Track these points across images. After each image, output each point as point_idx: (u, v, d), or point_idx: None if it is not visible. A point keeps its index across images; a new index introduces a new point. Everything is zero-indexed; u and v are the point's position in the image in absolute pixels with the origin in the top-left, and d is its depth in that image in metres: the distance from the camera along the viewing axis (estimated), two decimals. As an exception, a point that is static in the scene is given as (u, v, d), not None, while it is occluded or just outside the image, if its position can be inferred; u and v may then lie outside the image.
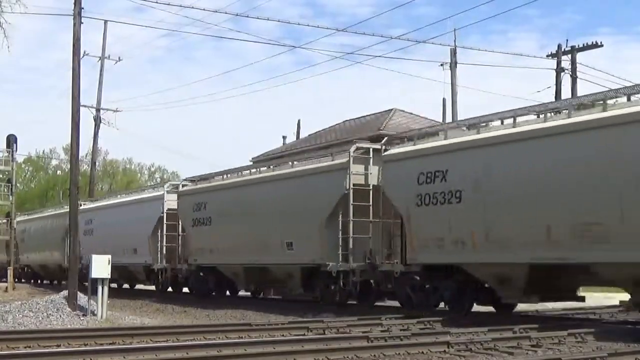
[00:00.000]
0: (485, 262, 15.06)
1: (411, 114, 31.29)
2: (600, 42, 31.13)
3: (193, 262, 24.30)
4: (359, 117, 33.06)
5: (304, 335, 12.81)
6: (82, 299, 17.95)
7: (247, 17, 36.11)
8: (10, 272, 32.81)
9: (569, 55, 31.42)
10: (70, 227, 18.78)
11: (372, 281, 18.35)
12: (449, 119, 30.27)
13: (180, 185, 26.36)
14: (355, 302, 18.93)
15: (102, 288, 16.62)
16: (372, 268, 17.73)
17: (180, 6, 25.47)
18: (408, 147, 17.30)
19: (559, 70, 31.23)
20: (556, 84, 31.21)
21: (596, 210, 12.96)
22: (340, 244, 18.07)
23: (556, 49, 31.52)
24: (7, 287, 30.96)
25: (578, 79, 31.10)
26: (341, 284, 18.26)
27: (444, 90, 34.42)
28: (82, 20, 18.61)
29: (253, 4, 75.58)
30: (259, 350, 10.07)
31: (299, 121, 44.43)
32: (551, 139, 13.90)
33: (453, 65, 31.34)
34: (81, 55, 19.33)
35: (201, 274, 24.54)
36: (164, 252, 25.80)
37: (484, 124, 15.81)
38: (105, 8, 73.54)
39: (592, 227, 13.00)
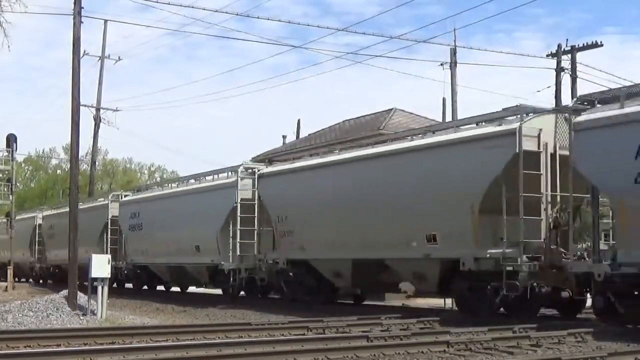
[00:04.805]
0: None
1: (411, 113, 31.30)
2: (600, 42, 31.13)
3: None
4: (358, 117, 33.07)
5: (303, 334, 12.82)
6: (81, 298, 17.95)
7: (248, 16, 35.90)
8: (10, 271, 32.77)
9: (570, 55, 31.44)
10: (70, 226, 18.73)
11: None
12: (448, 118, 30.28)
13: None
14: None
15: (102, 287, 16.62)
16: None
17: (181, 5, 25.34)
18: None
19: (559, 69, 31.26)
20: (556, 84, 31.27)
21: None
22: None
23: (556, 48, 31.58)
24: (7, 287, 30.94)
25: (578, 79, 31.14)
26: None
27: (444, 89, 34.36)
28: (83, 20, 18.61)
29: (257, 2, 75.43)
30: (259, 350, 10.08)
31: (298, 120, 44.45)
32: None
33: (453, 64, 31.35)
34: (81, 55, 19.32)
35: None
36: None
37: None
38: (110, 7, 73.73)
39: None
